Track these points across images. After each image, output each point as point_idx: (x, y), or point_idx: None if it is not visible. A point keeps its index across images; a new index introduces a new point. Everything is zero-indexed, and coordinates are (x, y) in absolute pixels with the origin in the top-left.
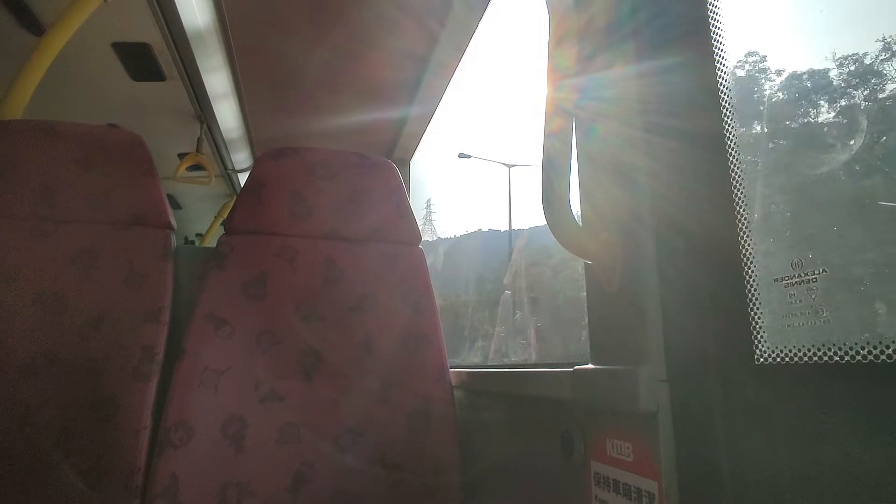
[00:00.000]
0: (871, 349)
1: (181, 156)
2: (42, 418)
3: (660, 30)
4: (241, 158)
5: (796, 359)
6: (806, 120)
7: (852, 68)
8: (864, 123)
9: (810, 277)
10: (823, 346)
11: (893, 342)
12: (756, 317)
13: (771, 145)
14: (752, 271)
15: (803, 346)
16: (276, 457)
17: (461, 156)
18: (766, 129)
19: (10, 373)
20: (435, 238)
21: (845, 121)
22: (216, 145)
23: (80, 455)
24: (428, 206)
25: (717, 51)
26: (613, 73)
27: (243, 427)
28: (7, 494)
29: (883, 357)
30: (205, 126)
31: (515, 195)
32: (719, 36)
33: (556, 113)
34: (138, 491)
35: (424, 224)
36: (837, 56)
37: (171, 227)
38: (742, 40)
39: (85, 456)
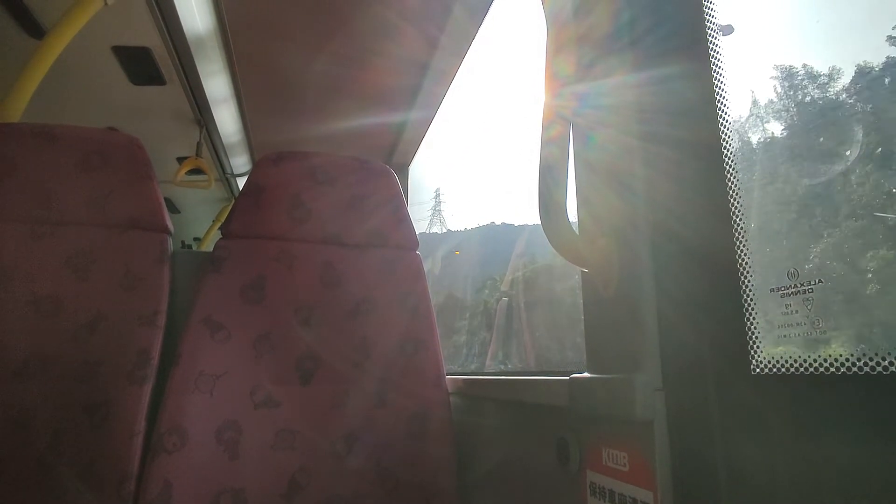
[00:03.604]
0: (868, 360)
1: (180, 160)
2: (35, 421)
3: (658, 39)
4: (240, 163)
5: (792, 369)
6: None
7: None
8: (862, 132)
9: (806, 288)
10: (820, 356)
11: (890, 353)
12: (752, 326)
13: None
14: (749, 281)
15: (799, 357)
16: (271, 463)
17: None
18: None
19: (4, 375)
20: (444, 230)
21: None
22: (215, 149)
23: (74, 459)
24: (437, 196)
25: (714, 61)
26: (611, 81)
27: (238, 433)
28: None
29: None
30: (204, 130)
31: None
32: (717, 46)
33: (554, 120)
34: (131, 497)
35: (433, 216)
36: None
37: (167, 231)
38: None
39: (78, 460)
